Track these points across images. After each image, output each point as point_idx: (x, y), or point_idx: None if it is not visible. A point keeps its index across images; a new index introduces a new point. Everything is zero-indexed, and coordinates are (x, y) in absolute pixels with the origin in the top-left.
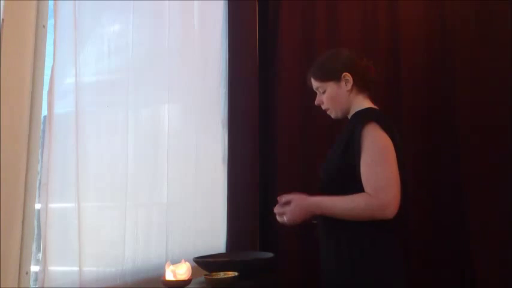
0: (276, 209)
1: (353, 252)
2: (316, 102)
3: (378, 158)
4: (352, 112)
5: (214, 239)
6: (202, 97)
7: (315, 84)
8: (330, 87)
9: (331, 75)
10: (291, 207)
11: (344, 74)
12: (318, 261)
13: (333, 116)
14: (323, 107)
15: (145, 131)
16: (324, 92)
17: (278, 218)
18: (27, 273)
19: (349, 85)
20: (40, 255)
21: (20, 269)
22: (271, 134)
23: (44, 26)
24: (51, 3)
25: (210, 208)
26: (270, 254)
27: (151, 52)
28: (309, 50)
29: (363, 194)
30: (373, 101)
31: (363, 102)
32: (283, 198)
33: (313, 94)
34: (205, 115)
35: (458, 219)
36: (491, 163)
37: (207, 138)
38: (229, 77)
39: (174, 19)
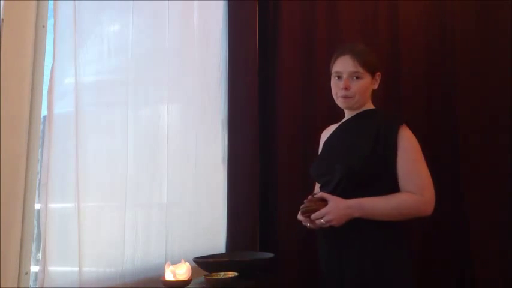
0: (308, 204)
1: (358, 253)
2: (343, 85)
3: (418, 157)
4: (362, 109)
5: (214, 239)
6: (202, 97)
7: (356, 67)
8: (367, 78)
9: (372, 68)
10: (329, 208)
11: (378, 73)
12: (317, 261)
13: (348, 103)
14: (347, 93)
15: (145, 131)
16: (357, 78)
17: (302, 217)
18: (26, 273)
19: (376, 85)
20: (40, 255)
21: (19, 269)
22: (271, 134)
23: (43, 26)
24: (50, 3)
25: (210, 208)
26: (270, 254)
27: (151, 52)
28: (309, 50)
29: (405, 192)
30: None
31: (371, 104)
32: (319, 194)
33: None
34: (205, 115)
35: (458, 219)
36: (491, 163)
37: (207, 138)
38: (229, 77)
39: (174, 19)
